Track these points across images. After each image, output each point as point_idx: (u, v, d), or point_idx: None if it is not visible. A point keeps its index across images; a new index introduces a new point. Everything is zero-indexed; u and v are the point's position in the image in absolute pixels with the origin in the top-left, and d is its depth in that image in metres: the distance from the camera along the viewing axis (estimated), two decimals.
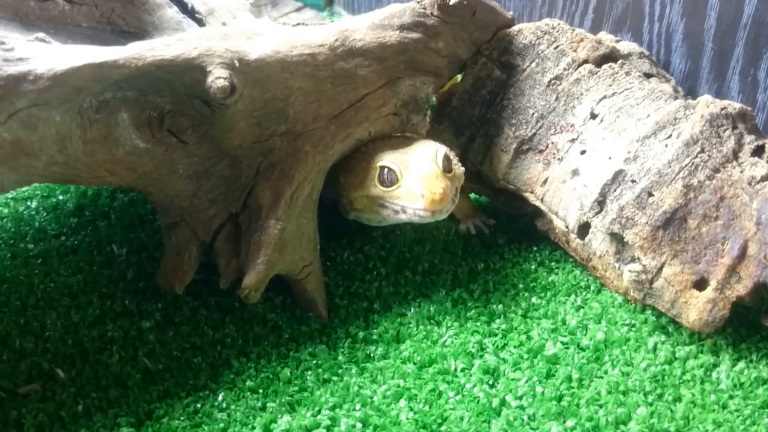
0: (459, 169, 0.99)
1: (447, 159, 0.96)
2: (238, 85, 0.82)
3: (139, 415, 0.83)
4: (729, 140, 0.96)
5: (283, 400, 0.85)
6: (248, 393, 0.86)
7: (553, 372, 0.89)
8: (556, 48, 1.10)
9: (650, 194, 0.95)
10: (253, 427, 0.81)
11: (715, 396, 0.86)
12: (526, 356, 0.92)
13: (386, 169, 0.95)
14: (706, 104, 0.99)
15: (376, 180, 0.96)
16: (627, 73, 1.07)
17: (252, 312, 0.98)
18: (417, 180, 0.93)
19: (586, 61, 1.08)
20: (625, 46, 1.15)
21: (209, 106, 0.84)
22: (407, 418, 0.82)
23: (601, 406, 0.84)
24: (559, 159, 1.06)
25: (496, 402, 0.84)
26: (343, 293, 1.03)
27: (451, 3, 1.05)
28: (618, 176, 0.98)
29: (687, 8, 1.19)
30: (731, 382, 0.88)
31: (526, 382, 0.87)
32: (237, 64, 0.83)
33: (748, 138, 0.98)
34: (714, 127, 0.97)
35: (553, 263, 1.11)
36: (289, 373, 0.89)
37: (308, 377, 0.89)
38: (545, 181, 1.07)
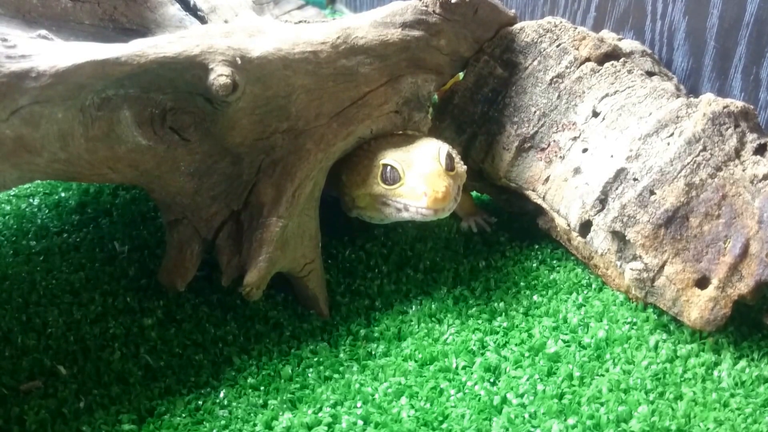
0: (461, 167, 1.00)
1: (449, 157, 0.97)
2: (240, 82, 0.82)
3: (140, 412, 0.83)
4: (731, 139, 0.96)
5: (284, 398, 0.85)
6: (249, 390, 0.86)
7: (555, 370, 0.89)
8: (558, 46, 1.10)
9: (652, 192, 0.95)
10: (255, 425, 0.81)
11: (717, 394, 0.86)
12: (527, 354, 0.92)
13: (389, 167, 0.95)
14: (708, 102, 0.99)
15: (378, 178, 0.96)
16: (629, 72, 1.07)
17: (253, 309, 0.99)
18: (420, 178, 0.93)
19: (588, 60, 1.08)
20: (628, 44, 1.15)
21: (211, 104, 0.84)
22: (408, 416, 0.82)
23: (602, 404, 0.84)
24: (560, 157, 1.06)
25: (497, 400, 0.84)
26: (344, 291, 1.03)
27: (453, 1, 1.04)
28: (620, 174, 0.98)
29: (689, 6, 1.19)
30: (732, 380, 0.88)
31: (528, 379, 0.87)
32: (239, 62, 0.83)
33: (750, 136, 0.98)
34: (716, 125, 0.97)
35: (554, 261, 1.11)
36: (290, 371, 0.89)
37: (309, 374, 0.89)
38: (547, 179, 1.07)
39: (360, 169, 0.99)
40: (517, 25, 1.13)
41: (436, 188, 0.91)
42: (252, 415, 0.83)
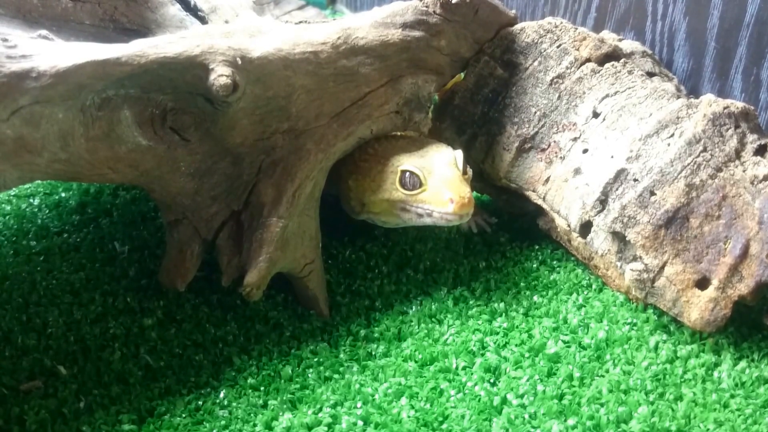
0: (469, 170, 1.01)
1: (465, 162, 0.98)
2: (240, 82, 0.82)
3: (140, 412, 0.83)
4: (731, 139, 0.96)
5: (284, 398, 0.85)
6: (250, 390, 0.86)
7: (555, 370, 0.89)
8: (558, 47, 1.10)
9: (652, 193, 0.95)
10: (255, 425, 0.81)
11: (717, 395, 0.86)
12: (527, 355, 0.92)
13: (408, 173, 0.96)
14: (709, 103, 0.99)
15: (397, 183, 0.96)
16: (629, 72, 1.07)
17: (253, 310, 0.99)
18: (443, 184, 0.94)
19: (588, 60, 1.08)
20: (628, 44, 1.15)
21: (212, 104, 0.84)
22: (408, 416, 0.82)
23: (602, 405, 0.84)
24: (561, 158, 1.06)
25: (497, 400, 0.84)
26: (344, 291, 1.03)
27: (453, 1, 1.05)
28: (620, 175, 0.98)
29: (690, 7, 1.19)
30: (733, 381, 0.88)
31: (528, 380, 0.87)
32: (239, 62, 0.83)
33: (750, 137, 0.98)
34: (716, 126, 0.97)
35: (554, 262, 1.11)
36: (290, 371, 0.89)
37: (310, 375, 0.89)
38: (547, 180, 1.07)
39: (373, 174, 0.99)
40: (518, 26, 1.13)
41: (461, 194, 0.92)
42: (252, 415, 0.83)
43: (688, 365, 0.90)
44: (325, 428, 0.81)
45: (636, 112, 1.02)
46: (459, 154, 0.99)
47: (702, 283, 0.92)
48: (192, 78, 0.81)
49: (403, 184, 0.96)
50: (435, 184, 0.95)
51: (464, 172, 0.98)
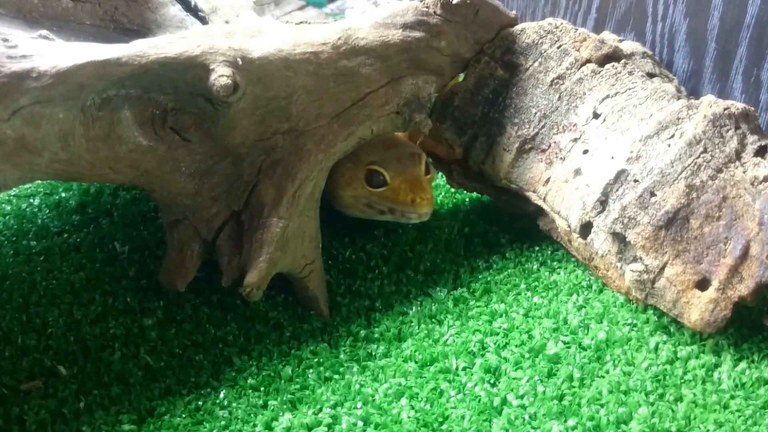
0: (432, 171, 1.08)
1: (428, 164, 1.05)
2: (240, 83, 0.82)
3: (140, 412, 0.83)
4: (732, 140, 0.96)
5: (284, 398, 0.85)
6: (250, 391, 0.86)
7: (555, 371, 0.89)
8: (559, 47, 1.10)
9: (652, 194, 0.95)
10: (255, 425, 0.81)
11: (717, 396, 0.86)
12: (527, 355, 0.92)
13: (374, 172, 1.01)
14: (709, 104, 0.99)
15: (363, 181, 1.02)
16: (630, 73, 1.07)
17: (254, 310, 0.99)
18: (406, 184, 1.00)
19: (589, 61, 1.08)
20: (628, 45, 1.15)
21: (212, 104, 0.84)
22: (408, 417, 0.82)
23: (602, 406, 0.84)
24: (561, 158, 1.06)
25: (497, 401, 0.84)
26: (344, 291, 1.03)
27: (454, 2, 1.05)
28: (620, 176, 0.98)
29: (690, 8, 1.19)
30: (733, 382, 0.88)
31: (528, 381, 0.87)
32: (240, 62, 0.83)
33: (750, 138, 0.98)
34: (717, 127, 0.97)
35: (555, 263, 1.11)
36: (290, 371, 0.89)
37: (310, 375, 0.89)
38: (547, 181, 1.07)
39: (344, 170, 1.03)
40: (518, 27, 1.13)
41: (422, 194, 0.99)
42: (252, 415, 0.83)
43: (688, 366, 0.90)
44: (325, 429, 0.81)
45: (636, 112, 1.02)
46: (422, 154, 1.05)
47: (702, 284, 0.92)
48: (192, 78, 0.81)
49: (369, 182, 1.01)
50: (398, 183, 1.00)
51: (427, 172, 1.04)
